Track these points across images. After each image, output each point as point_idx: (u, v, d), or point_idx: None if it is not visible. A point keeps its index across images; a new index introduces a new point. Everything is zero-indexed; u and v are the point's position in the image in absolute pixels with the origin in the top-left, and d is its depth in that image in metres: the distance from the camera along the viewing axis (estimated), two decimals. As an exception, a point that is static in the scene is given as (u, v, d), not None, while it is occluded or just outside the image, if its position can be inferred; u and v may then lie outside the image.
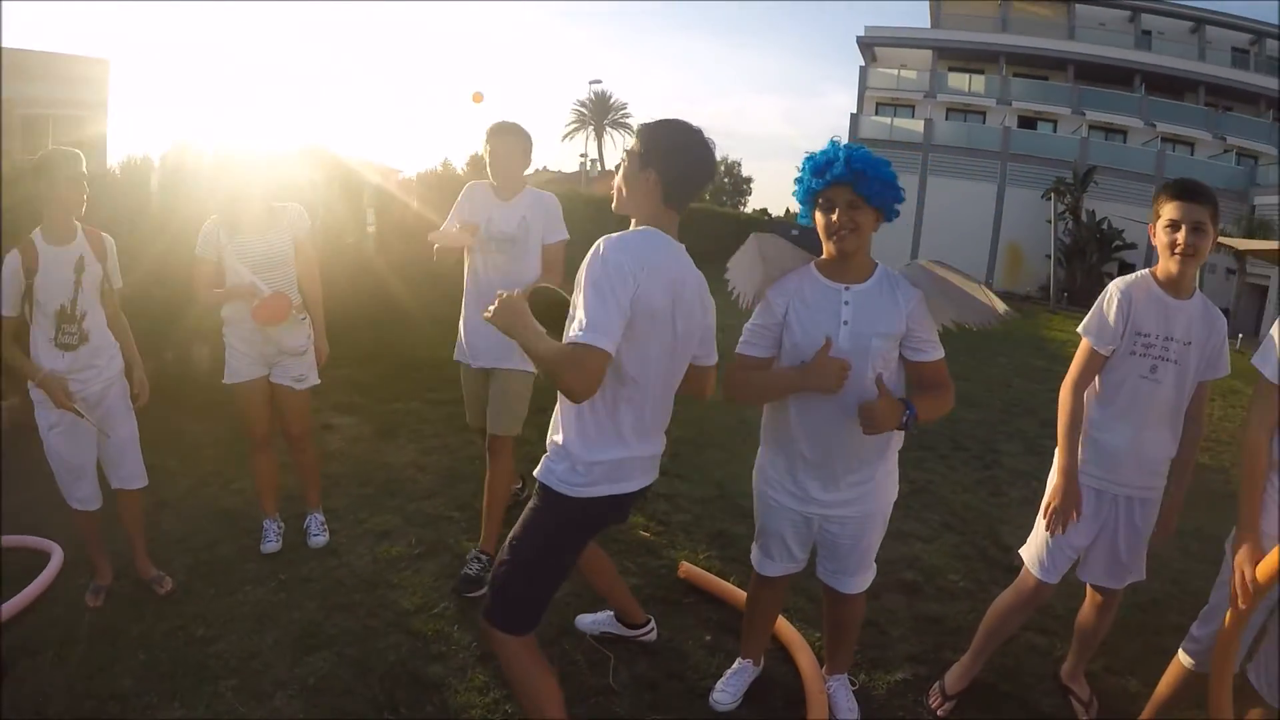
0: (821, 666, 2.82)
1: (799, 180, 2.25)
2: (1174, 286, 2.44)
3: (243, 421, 3.52)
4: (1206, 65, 33.00)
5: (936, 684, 2.85)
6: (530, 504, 2.12)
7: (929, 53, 36.05)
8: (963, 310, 2.26)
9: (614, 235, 1.95)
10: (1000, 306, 2.23)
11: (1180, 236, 2.33)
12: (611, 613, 3.00)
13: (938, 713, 2.73)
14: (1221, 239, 20.61)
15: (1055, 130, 33.45)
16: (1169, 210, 2.38)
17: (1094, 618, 2.82)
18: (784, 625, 3.00)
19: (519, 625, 2.09)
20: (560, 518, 2.08)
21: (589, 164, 51.77)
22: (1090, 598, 2.84)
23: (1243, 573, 2.09)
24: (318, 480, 3.72)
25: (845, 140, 2.22)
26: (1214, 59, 33.27)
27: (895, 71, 36.68)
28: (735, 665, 2.74)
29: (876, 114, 36.00)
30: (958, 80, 35.61)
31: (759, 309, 2.34)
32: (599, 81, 61.00)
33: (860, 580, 2.52)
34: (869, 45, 37.26)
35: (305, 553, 3.48)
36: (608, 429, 2.05)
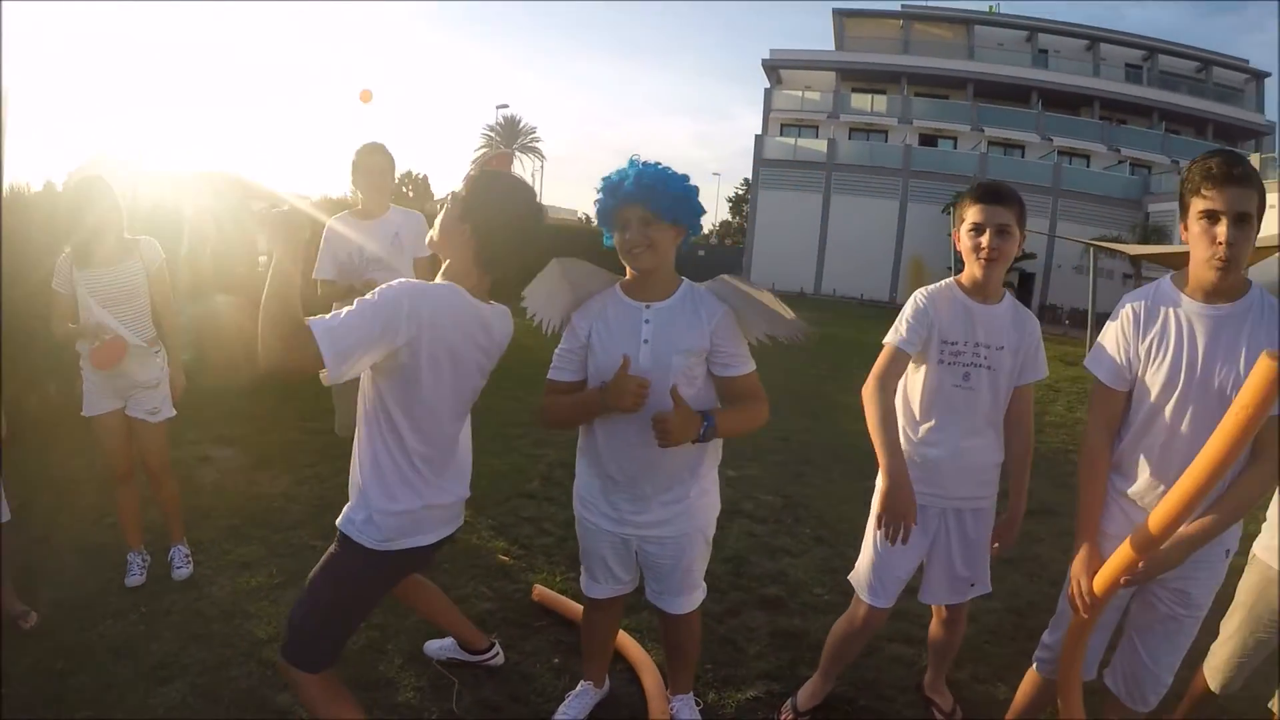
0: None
1: (597, 202, 2.22)
2: (980, 291, 2.39)
3: (102, 455, 3.54)
4: (1101, 81, 34.44)
5: (789, 700, 2.80)
6: (331, 547, 2.09)
7: (833, 74, 36.93)
8: (773, 324, 2.21)
9: (418, 282, 1.93)
10: (800, 323, 2.20)
11: (984, 240, 2.29)
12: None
13: None
14: (1118, 246, 21.57)
15: (955, 147, 34.49)
16: (972, 213, 2.34)
17: (943, 633, 2.80)
18: (631, 645, 2.99)
19: (313, 663, 2.05)
20: (358, 566, 2.04)
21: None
22: (936, 613, 2.80)
23: (1079, 582, 2.07)
24: (179, 513, 3.68)
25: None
26: (1108, 74, 34.71)
27: (800, 93, 37.34)
28: (578, 688, 2.72)
29: (781, 135, 36.47)
30: (860, 100, 36.44)
31: (566, 333, 2.30)
32: (505, 106, 60.57)
33: (686, 600, 2.47)
34: (774, 67, 38.01)
35: (168, 585, 3.49)
36: (406, 477, 2.02)
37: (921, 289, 2.46)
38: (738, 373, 2.23)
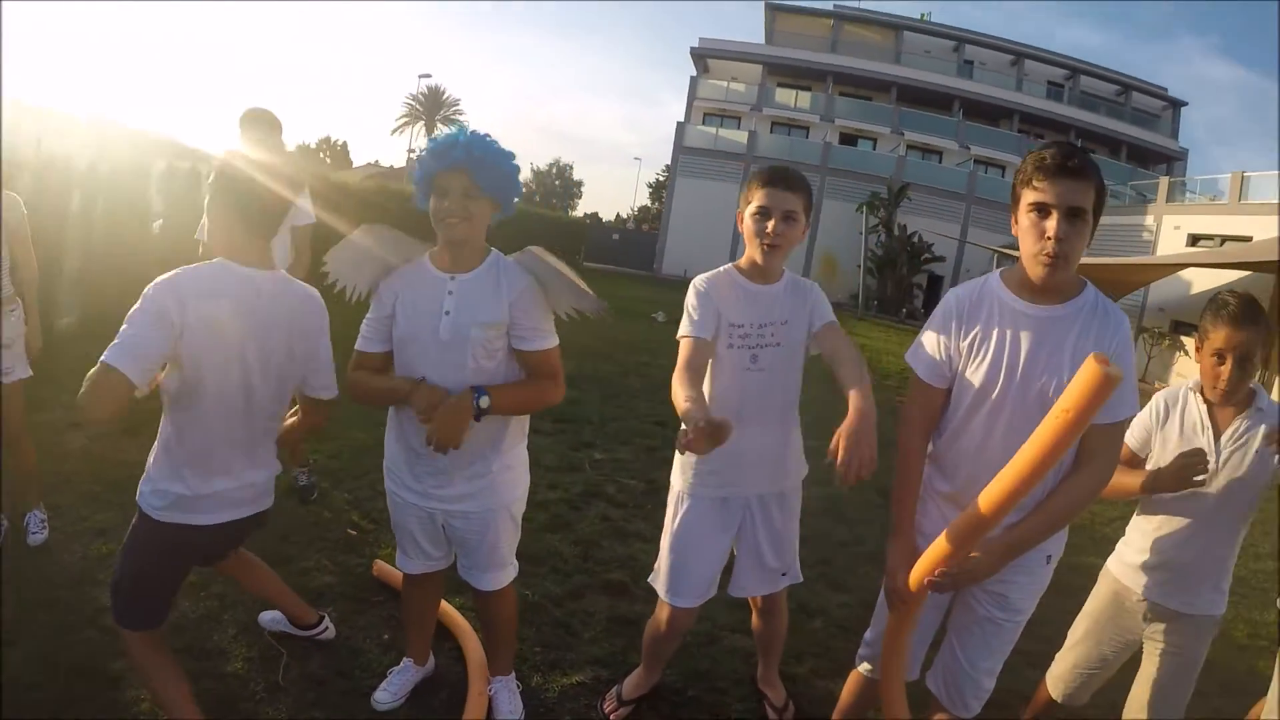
0: None
1: (420, 161, 2.21)
2: (760, 274, 2.37)
3: None
4: (1023, 95, 35.36)
5: (614, 688, 2.75)
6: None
7: (760, 67, 36.81)
8: (579, 298, 2.21)
9: (173, 276, 1.96)
10: (599, 300, 2.21)
11: (770, 225, 2.26)
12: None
13: (610, 717, 2.63)
14: (1011, 251, 20.62)
15: (875, 148, 34.86)
16: (759, 197, 2.29)
17: (763, 625, 2.76)
18: (460, 625, 2.95)
19: (137, 623, 2.14)
20: (144, 532, 2.11)
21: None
22: (753, 606, 2.74)
23: (894, 576, 2.04)
24: (36, 476, 3.47)
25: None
26: (1030, 90, 35.69)
27: (725, 83, 37.16)
28: (400, 664, 2.67)
29: (704, 124, 36.27)
30: (785, 95, 36.51)
31: (373, 303, 2.27)
32: (429, 75, 59.26)
33: (495, 577, 2.45)
34: (702, 56, 37.83)
35: (22, 550, 3.30)
36: (174, 461, 2.07)
37: (700, 276, 2.43)
38: (533, 347, 2.22)
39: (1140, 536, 2.36)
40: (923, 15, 38.09)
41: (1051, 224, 1.76)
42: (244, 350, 2.01)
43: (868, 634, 2.35)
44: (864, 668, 2.35)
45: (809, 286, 2.41)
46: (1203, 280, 21.57)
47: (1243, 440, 2.21)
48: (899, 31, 36.53)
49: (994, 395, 1.91)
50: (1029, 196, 1.81)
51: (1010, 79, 35.69)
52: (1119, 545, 2.47)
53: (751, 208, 2.28)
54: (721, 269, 2.41)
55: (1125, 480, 2.29)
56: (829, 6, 37.91)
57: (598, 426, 6.44)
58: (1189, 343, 22.03)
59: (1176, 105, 37.10)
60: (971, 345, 1.96)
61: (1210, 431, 2.25)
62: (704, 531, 2.46)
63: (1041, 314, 1.88)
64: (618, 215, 44.67)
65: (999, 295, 1.95)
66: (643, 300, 19.00)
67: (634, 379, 8.76)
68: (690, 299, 2.34)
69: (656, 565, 2.57)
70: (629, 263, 32.89)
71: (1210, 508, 2.23)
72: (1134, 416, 2.03)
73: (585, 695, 2.76)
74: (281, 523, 3.54)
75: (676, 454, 2.43)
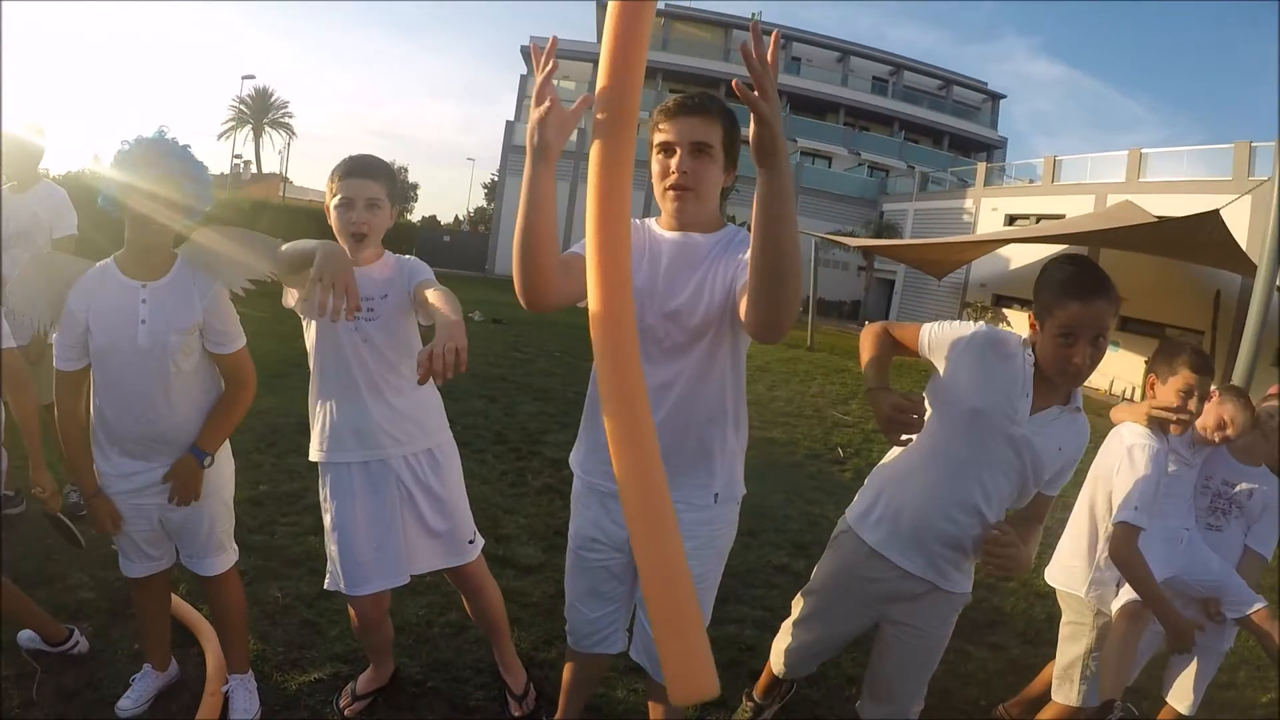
0: None
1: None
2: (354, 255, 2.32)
3: None
4: (848, 90, 36.28)
5: (349, 684, 2.68)
6: None
7: (590, 65, 35.64)
8: (248, 268, 2.23)
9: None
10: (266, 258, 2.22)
11: (354, 216, 2.25)
12: None
13: (345, 712, 2.58)
14: (851, 240, 22.80)
15: None
16: (340, 189, 2.29)
17: (469, 604, 2.71)
18: (204, 629, 2.90)
19: None
20: None
21: (242, 165, 47.08)
22: (453, 581, 2.68)
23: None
24: None
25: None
26: (855, 85, 36.64)
27: (556, 82, 34.92)
28: (142, 671, 2.59)
29: None
30: None
31: (65, 320, 2.17)
32: (252, 77, 56.30)
33: (216, 561, 2.44)
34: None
35: None
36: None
37: None
38: (226, 350, 2.26)
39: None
40: (754, 15, 38.15)
41: (674, 160, 1.79)
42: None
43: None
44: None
45: (407, 260, 2.38)
46: (1020, 256, 22.40)
47: (1042, 428, 2.02)
48: (728, 30, 36.75)
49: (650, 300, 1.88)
50: (655, 139, 1.84)
51: (836, 75, 36.54)
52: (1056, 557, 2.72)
53: (334, 201, 2.27)
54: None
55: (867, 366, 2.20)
56: (660, 5, 37.52)
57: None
58: (1011, 314, 22.67)
59: (995, 98, 38.91)
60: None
61: (1028, 401, 2.04)
62: (359, 504, 2.37)
63: (684, 241, 1.89)
64: (455, 217, 43.06)
65: (651, 229, 1.96)
66: (466, 301, 17.69)
67: (465, 378, 8.34)
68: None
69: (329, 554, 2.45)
70: (461, 264, 31.80)
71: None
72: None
73: (323, 691, 2.70)
74: (47, 543, 3.34)
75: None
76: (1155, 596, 2.37)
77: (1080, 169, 22.33)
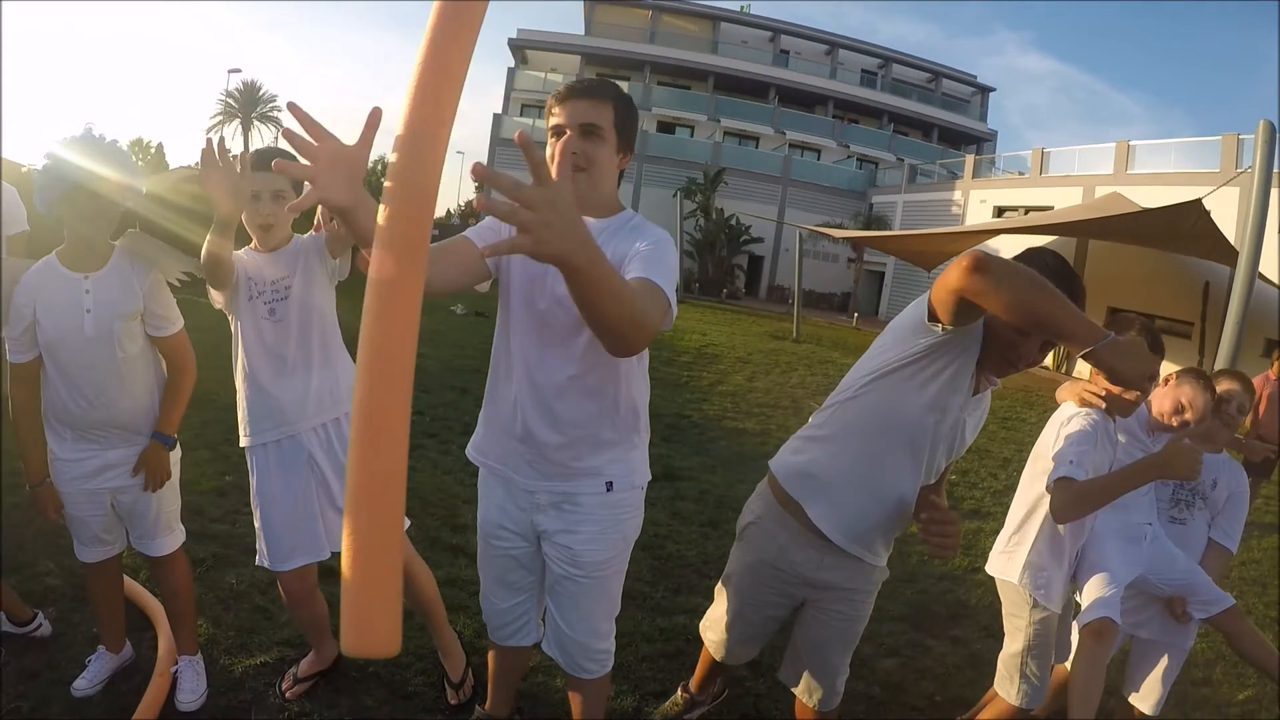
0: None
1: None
2: (264, 244, 2.43)
3: None
4: (837, 83, 36.06)
5: (292, 668, 2.72)
6: None
7: (578, 58, 36.17)
8: (182, 260, 2.38)
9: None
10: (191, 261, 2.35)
11: (260, 208, 2.34)
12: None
13: (286, 695, 2.62)
14: (837, 231, 22.87)
15: (693, 135, 34.87)
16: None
17: (405, 598, 2.68)
18: (157, 612, 2.97)
19: None
20: None
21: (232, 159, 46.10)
22: None
23: None
24: None
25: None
26: (844, 78, 36.46)
27: (543, 75, 36.26)
28: (97, 652, 2.68)
29: (521, 115, 35.23)
30: None
31: (12, 317, 2.27)
32: (238, 70, 55.61)
33: (165, 541, 2.55)
34: (520, 47, 37.01)
35: None
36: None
37: None
38: (165, 333, 2.38)
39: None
40: (742, 7, 38.26)
41: (563, 142, 1.80)
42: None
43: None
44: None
45: (305, 238, 2.45)
46: (1009, 248, 22.13)
47: (975, 409, 2.03)
48: (716, 22, 36.65)
49: (518, 309, 1.93)
50: (549, 124, 1.87)
51: (825, 67, 36.45)
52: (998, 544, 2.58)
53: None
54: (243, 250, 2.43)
55: None
56: (648, -1, 37.65)
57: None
58: None
59: (985, 91, 38.79)
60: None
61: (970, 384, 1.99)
62: (275, 481, 2.46)
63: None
64: (446, 211, 42.69)
65: None
66: (453, 295, 17.93)
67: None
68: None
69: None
70: (446, 260, 31.51)
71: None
72: None
73: (269, 675, 2.75)
74: (19, 533, 3.41)
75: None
76: (1126, 480, 2.21)
77: (1069, 161, 22.34)
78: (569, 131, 1.79)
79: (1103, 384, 2.40)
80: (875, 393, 1.95)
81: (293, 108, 1.33)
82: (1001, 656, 2.51)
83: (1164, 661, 2.64)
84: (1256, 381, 7.60)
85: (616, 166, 1.89)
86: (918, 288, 26.35)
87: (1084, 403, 2.40)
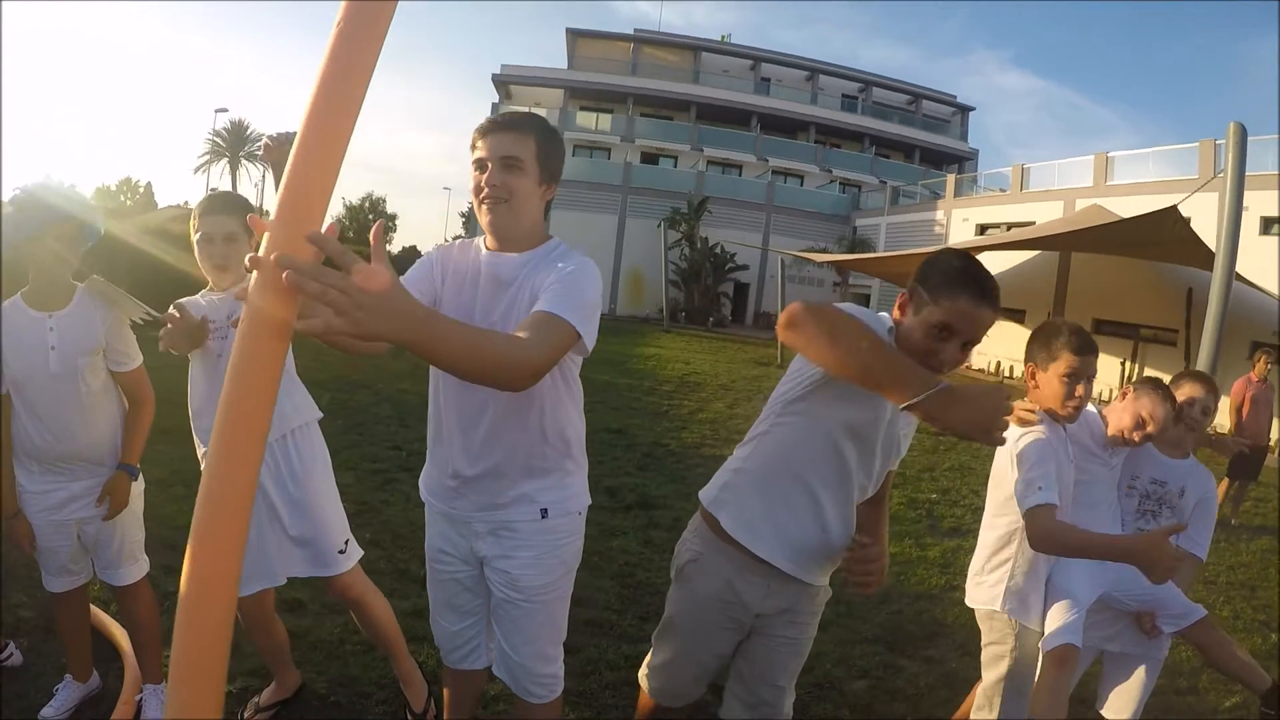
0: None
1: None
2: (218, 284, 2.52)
3: None
4: (818, 109, 36.48)
5: (255, 697, 2.74)
6: None
7: (561, 91, 36.52)
8: (137, 306, 2.48)
9: None
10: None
11: (213, 250, 2.43)
12: None
13: None
14: (819, 256, 23.19)
15: (676, 165, 35.11)
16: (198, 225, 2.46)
17: (355, 618, 2.73)
18: (121, 639, 3.01)
19: None
20: None
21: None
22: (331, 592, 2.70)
23: None
24: None
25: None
26: (825, 104, 36.88)
27: (527, 109, 35.43)
28: (64, 681, 2.74)
29: None
30: (585, 119, 36.36)
31: None
32: (225, 110, 56.02)
33: (128, 571, 2.62)
34: (504, 83, 37.31)
35: None
36: None
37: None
38: (126, 369, 2.50)
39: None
40: (723, 37, 38.77)
41: (485, 175, 1.86)
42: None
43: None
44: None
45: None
46: (992, 265, 22.26)
47: (905, 418, 1.95)
48: (697, 52, 37.07)
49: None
50: (472, 158, 1.91)
51: (805, 94, 36.86)
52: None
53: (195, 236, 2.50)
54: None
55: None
56: (629, 30, 38.21)
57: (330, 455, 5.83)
58: None
59: (965, 110, 39.24)
60: (450, 291, 2.02)
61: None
62: None
63: (496, 260, 1.94)
64: (436, 247, 42.97)
65: (476, 248, 2.02)
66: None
67: (385, 406, 8.42)
68: None
69: None
70: (433, 296, 31.63)
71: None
72: None
73: (232, 704, 2.73)
74: None
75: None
76: (1104, 548, 2.15)
77: (1049, 176, 22.45)
78: (490, 165, 1.83)
79: (1039, 396, 2.36)
80: (788, 424, 1.94)
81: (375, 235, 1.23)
82: (981, 688, 2.44)
83: (1139, 674, 2.56)
84: (1238, 384, 7.60)
85: (540, 198, 1.91)
86: (905, 308, 26.45)
87: (1021, 422, 2.33)
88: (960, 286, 1.72)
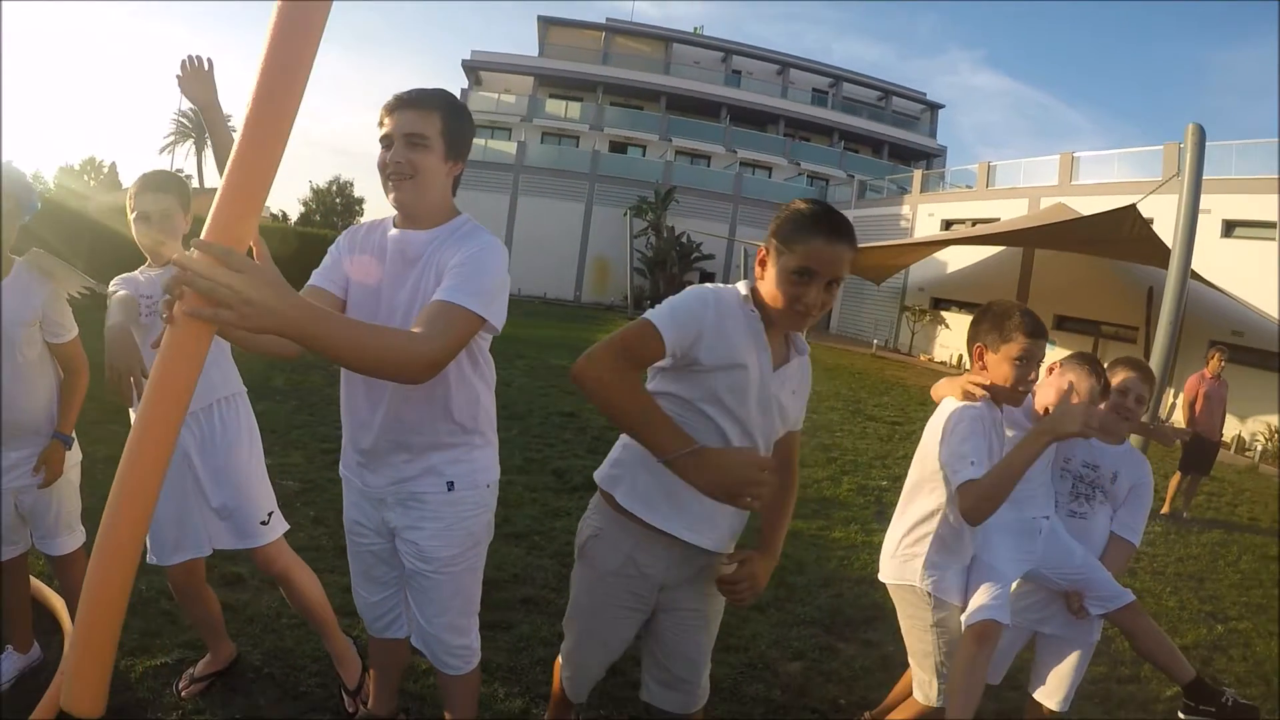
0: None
1: None
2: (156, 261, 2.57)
3: None
4: (788, 102, 36.43)
5: (189, 669, 2.76)
6: None
7: (531, 79, 36.14)
8: (80, 278, 2.51)
9: None
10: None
11: (149, 228, 2.47)
12: None
13: (182, 694, 2.66)
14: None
15: (645, 155, 34.94)
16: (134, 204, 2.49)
17: (284, 591, 2.71)
18: (65, 613, 3.00)
19: None
20: None
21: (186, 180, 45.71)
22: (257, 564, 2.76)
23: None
24: None
25: None
26: (795, 97, 36.92)
27: (496, 95, 36.12)
28: (5, 652, 2.75)
29: (475, 137, 34.23)
30: (555, 106, 36.00)
31: None
32: None
33: (65, 541, 2.65)
34: (474, 69, 36.93)
35: None
36: None
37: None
38: (61, 340, 2.51)
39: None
40: (695, 28, 38.54)
41: (390, 152, 1.89)
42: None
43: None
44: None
45: None
46: (957, 260, 22.57)
47: (784, 383, 1.93)
48: (668, 43, 36.82)
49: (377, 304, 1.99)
50: (380, 135, 1.91)
51: (776, 87, 36.82)
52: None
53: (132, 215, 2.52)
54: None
55: None
56: (601, 19, 38.09)
57: (281, 435, 6.13)
58: (948, 317, 22.88)
59: (934, 108, 39.38)
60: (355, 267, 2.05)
61: (768, 354, 1.88)
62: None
63: (403, 237, 1.97)
64: (343, 233, 42.55)
65: (386, 225, 2.04)
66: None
67: (338, 388, 7.72)
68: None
69: None
70: (396, 279, 31.41)
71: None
72: None
73: (167, 675, 2.78)
74: None
75: None
76: (1023, 453, 2.11)
77: (1014, 174, 22.61)
78: (395, 141, 1.86)
79: (987, 376, 2.28)
80: (662, 399, 1.89)
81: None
82: (914, 662, 2.40)
83: (1072, 658, 2.51)
84: (1191, 380, 7.64)
85: (446, 175, 1.93)
86: (868, 301, 26.72)
87: (967, 395, 2.29)
88: (812, 228, 1.74)
